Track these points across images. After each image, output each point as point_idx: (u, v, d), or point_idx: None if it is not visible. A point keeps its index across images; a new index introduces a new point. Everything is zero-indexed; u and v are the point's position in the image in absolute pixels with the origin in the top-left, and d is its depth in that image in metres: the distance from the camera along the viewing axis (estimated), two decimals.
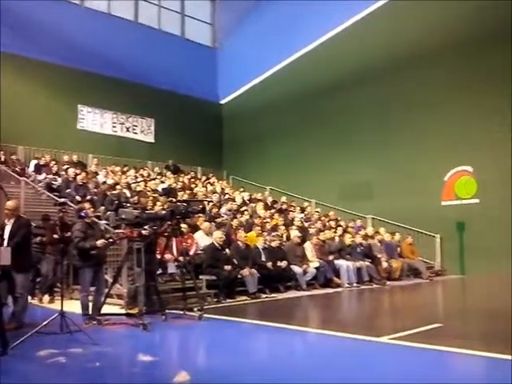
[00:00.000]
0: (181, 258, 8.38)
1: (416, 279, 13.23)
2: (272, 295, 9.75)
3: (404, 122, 16.20)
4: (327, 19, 18.15)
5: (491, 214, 13.83)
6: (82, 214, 7.01)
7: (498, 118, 14.13)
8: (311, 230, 12.78)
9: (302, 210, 16.25)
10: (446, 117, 15.18)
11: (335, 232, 13.35)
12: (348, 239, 12.71)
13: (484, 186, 14.33)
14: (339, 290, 11.08)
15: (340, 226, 14.48)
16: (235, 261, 9.79)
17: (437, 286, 12.63)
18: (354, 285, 11.60)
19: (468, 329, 6.65)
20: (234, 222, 11.70)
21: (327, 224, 14.69)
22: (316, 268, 11.18)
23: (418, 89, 15.91)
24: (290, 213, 15.23)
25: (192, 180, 17.17)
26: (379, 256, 12.86)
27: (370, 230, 14.60)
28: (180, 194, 13.43)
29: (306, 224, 13.84)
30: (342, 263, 11.77)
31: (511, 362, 4.44)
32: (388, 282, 12.25)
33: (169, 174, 16.41)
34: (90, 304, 6.89)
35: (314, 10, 18.25)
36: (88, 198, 11.04)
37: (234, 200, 15.22)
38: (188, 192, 14.13)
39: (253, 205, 15.09)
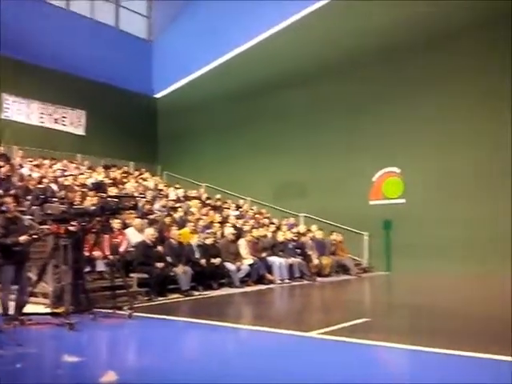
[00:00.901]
0: (110, 256, 8.13)
1: (345, 276, 13.67)
2: (205, 292, 9.71)
3: (334, 124, 16.66)
4: (261, 20, 18.32)
5: (416, 214, 14.56)
6: (4, 209, 6.63)
7: (423, 122, 14.91)
8: (245, 228, 12.85)
9: (237, 207, 16.31)
10: (375, 120, 15.79)
11: (268, 229, 13.51)
12: (281, 236, 12.92)
13: (410, 186, 15.05)
14: (271, 286, 11.22)
15: (273, 223, 14.67)
16: (168, 258, 9.66)
17: (364, 283, 13.11)
18: (286, 281, 11.80)
19: (393, 323, 6.94)
20: (168, 219, 11.52)
21: (261, 221, 14.84)
22: (249, 265, 11.26)
23: (346, 91, 16.45)
24: (225, 210, 15.24)
25: (124, 175, 16.71)
26: (310, 253, 13.17)
27: (302, 228, 14.92)
28: (111, 189, 13.03)
29: (241, 221, 13.90)
30: (274, 260, 11.93)
31: (434, 355, 4.69)
32: (318, 279, 12.58)
33: (99, 168, 15.88)
34: (12, 303, 6.52)
35: (247, 10, 18.36)
36: (12, 192, 10.43)
37: (167, 196, 14.98)
38: (120, 187, 13.75)
39: (187, 202, 14.93)
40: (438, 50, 14.76)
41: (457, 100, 14.38)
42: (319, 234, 14.37)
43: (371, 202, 15.85)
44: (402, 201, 15.23)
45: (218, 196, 16.99)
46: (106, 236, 8.52)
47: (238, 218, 14.40)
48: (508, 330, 6.12)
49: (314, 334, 5.68)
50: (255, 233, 12.61)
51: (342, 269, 13.98)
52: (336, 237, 14.53)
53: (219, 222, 13.03)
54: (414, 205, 14.76)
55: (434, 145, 14.68)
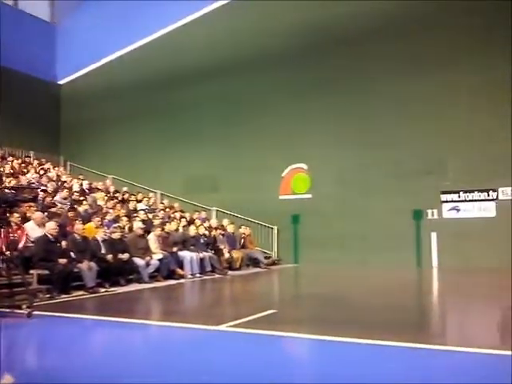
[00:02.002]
0: (7, 252, 7.56)
1: (255, 269, 13.90)
2: (112, 289, 9.37)
3: (246, 120, 16.87)
4: (174, 8, 17.97)
5: (322, 208, 15.18)
6: None
7: (330, 121, 15.53)
8: (155, 222, 12.58)
9: (147, 200, 15.91)
10: (284, 118, 16.19)
11: (179, 223, 13.34)
12: (192, 230, 12.82)
13: (317, 182, 15.64)
14: (182, 281, 11.11)
15: (184, 217, 14.52)
16: (72, 254, 9.20)
17: (273, 275, 13.42)
18: (197, 275, 11.75)
19: (300, 314, 7.17)
20: (71, 213, 10.96)
21: (172, 215, 14.62)
22: (159, 260, 11.05)
23: (256, 88, 16.67)
24: (133, 203, 14.80)
25: (23, 165, 15.64)
26: (222, 247, 13.22)
27: (214, 222, 14.92)
28: (8, 180, 12.14)
29: (150, 215, 13.58)
30: (185, 254, 11.82)
31: (344, 344, 4.91)
32: (229, 272, 12.66)
33: None
34: None
35: None
36: None
37: (71, 188, 14.25)
38: (18, 178, 12.84)
39: (93, 194, 14.31)
40: (347, 51, 15.41)
41: (362, 100, 15.14)
42: (231, 228, 14.47)
43: (281, 197, 16.24)
44: (309, 196, 15.78)
45: (126, 188, 16.49)
46: (3, 230, 7.91)
47: (148, 211, 14.07)
48: (412, 317, 6.59)
49: (223, 327, 5.70)
50: (166, 227, 12.40)
51: (253, 262, 14.19)
52: (244, 230, 14.72)
53: (127, 216, 12.64)
54: (320, 200, 15.37)
55: (338, 143, 15.36)
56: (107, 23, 19.29)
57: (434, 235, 13.74)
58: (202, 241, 12.79)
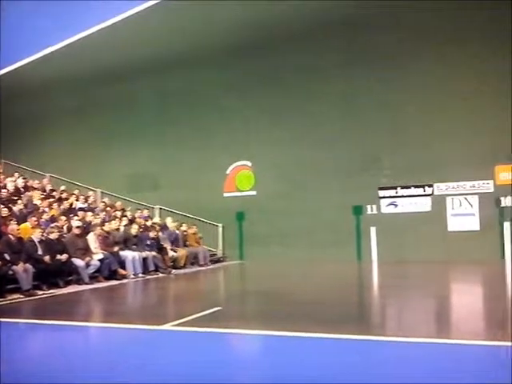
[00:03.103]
0: None
1: (199, 266, 13.81)
2: (50, 291, 9.01)
3: (189, 117, 16.71)
4: (117, 3, 17.45)
5: (267, 205, 15.31)
6: None
7: (273, 117, 15.66)
8: (95, 221, 12.20)
9: (86, 199, 15.40)
10: (228, 115, 16.17)
11: (121, 223, 13.01)
12: (134, 229, 12.54)
13: (261, 179, 15.73)
14: (124, 281, 10.85)
15: (125, 216, 14.17)
16: (6, 256, 8.75)
17: (218, 272, 13.39)
18: (140, 275, 11.51)
19: (246, 310, 7.19)
20: (5, 212, 10.43)
21: (113, 214, 14.23)
22: (100, 260, 10.73)
23: (201, 86, 16.55)
24: (71, 202, 14.27)
25: None
26: (165, 245, 13.03)
27: (157, 220, 14.67)
28: None
29: (90, 214, 13.15)
30: (127, 254, 11.54)
31: (290, 338, 4.96)
32: (173, 271, 12.51)
33: None
34: None
35: None
36: None
37: (4, 187, 13.56)
38: None
39: (28, 193, 13.68)
40: (288, 48, 15.55)
41: (303, 97, 15.36)
42: (174, 227, 14.29)
43: (225, 195, 16.22)
44: (253, 193, 15.86)
45: (64, 187, 15.86)
46: None
47: (87, 210, 13.61)
48: (353, 310, 6.76)
49: (167, 326, 5.62)
50: (107, 226, 12.05)
51: (197, 260, 14.09)
52: (187, 228, 14.59)
53: (65, 215, 12.18)
54: (264, 197, 15.49)
55: (280, 140, 15.52)
56: (44, 15, 18.41)
57: (373, 230, 14.20)
58: (144, 240, 12.52)
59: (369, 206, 14.42)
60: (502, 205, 13.04)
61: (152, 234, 12.83)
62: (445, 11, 13.41)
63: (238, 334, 5.33)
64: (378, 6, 13.99)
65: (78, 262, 10.19)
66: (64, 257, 9.84)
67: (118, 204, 15.67)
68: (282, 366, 4.01)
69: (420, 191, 13.97)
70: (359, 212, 14.48)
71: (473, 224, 13.38)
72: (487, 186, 13.30)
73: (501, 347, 4.40)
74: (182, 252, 13.51)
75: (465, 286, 9.43)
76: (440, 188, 13.80)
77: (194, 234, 14.66)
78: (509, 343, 4.37)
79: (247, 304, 7.86)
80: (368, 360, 4.14)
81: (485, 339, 4.86)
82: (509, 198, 12.88)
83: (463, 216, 13.50)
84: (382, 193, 14.33)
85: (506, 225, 12.86)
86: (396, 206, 14.20)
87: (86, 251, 10.68)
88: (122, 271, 11.20)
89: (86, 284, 10.04)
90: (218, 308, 6.81)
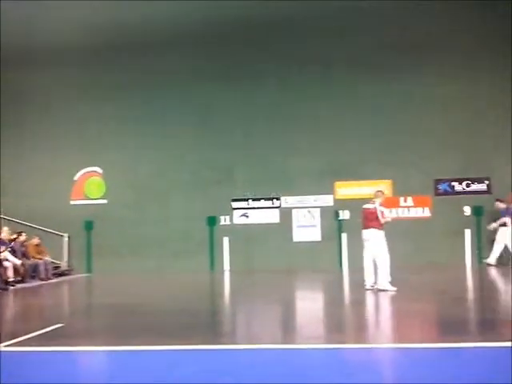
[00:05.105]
0: None
1: (41, 280, 12.72)
2: None
3: (35, 119, 15.40)
4: None
5: (118, 214, 14.74)
6: None
7: (128, 124, 15.18)
8: None
9: None
10: (78, 118, 15.26)
11: None
12: None
13: (112, 187, 15.10)
14: None
15: None
16: None
17: (63, 286, 12.48)
18: None
19: (91, 326, 6.79)
20: None
21: None
22: None
23: (54, 86, 15.40)
24: None
25: None
26: (1, 257, 11.74)
27: None
28: None
29: None
30: None
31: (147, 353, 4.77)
32: (12, 286, 11.31)
33: None
34: None
35: None
36: None
37: None
38: None
39: None
40: (140, 55, 15.27)
41: (161, 107, 15.17)
42: (10, 237, 12.92)
43: (72, 202, 15.23)
44: (104, 201, 15.16)
45: None
46: None
47: None
48: (202, 320, 6.78)
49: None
50: None
51: (38, 273, 12.95)
52: (26, 238, 13.36)
53: None
54: (116, 205, 14.90)
55: (135, 148, 15.11)
56: None
57: (226, 240, 14.52)
58: None
59: (222, 217, 14.72)
60: (340, 218, 14.32)
61: None
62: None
63: (80, 351, 4.99)
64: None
65: None
66: None
67: None
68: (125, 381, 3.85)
69: (269, 203, 14.69)
70: (213, 223, 14.71)
71: (315, 235, 14.46)
72: (327, 200, 14.49)
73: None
74: (22, 264, 12.30)
75: (307, 293, 10.10)
76: (287, 201, 14.66)
77: (36, 245, 13.47)
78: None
79: (93, 319, 7.43)
80: (215, 368, 4.17)
81: (325, 342, 5.25)
82: (346, 211, 14.17)
83: (306, 227, 14.52)
84: (234, 204, 14.75)
85: (343, 236, 14.13)
86: (247, 217, 14.72)
87: None
88: None
89: None
90: (60, 325, 6.31)
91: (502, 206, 13.09)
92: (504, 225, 12.90)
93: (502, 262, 12.90)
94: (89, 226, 14.95)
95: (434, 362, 4.20)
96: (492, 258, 13.00)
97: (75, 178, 15.28)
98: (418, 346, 4.76)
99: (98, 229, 14.84)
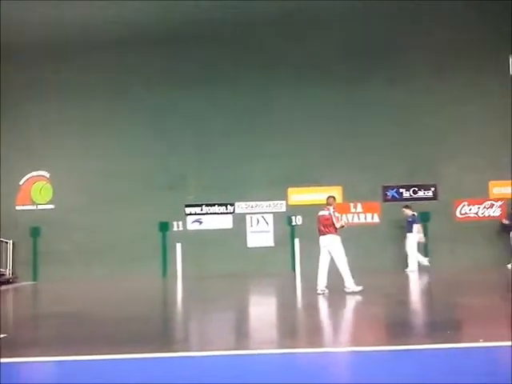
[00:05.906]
0: None
1: None
2: None
3: None
4: None
5: (66, 220, 14.31)
6: None
7: (75, 127, 14.78)
8: None
9: None
10: (22, 118, 14.74)
11: None
12: None
13: (60, 192, 14.65)
14: None
15: None
16: None
17: (6, 295, 11.94)
18: None
19: (36, 335, 6.54)
20: None
21: None
22: None
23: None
24: None
25: None
26: None
27: None
28: None
29: None
30: None
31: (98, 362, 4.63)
32: None
33: None
34: None
35: None
36: None
37: None
38: None
39: None
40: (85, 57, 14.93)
41: (112, 111, 14.88)
42: None
43: (18, 208, 14.65)
44: (51, 206, 14.67)
45: None
46: None
47: None
48: (154, 327, 6.66)
49: None
50: None
51: None
52: None
53: None
54: (64, 211, 14.46)
55: (84, 152, 14.76)
56: None
57: (178, 246, 14.36)
58: None
59: (175, 223, 14.56)
60: (293, 223, 14.48)
61: None
62: None
63: (24, 362, 4.79)
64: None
65: None
66: None
67: None
68: None
69: (223, 209, 14.66)
70: (165, 228, 14.53)
71: (268, 240, 14.56)
72: (280, 206, 14.63)
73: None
74: None
75: (261, 298, 10.13)
76: (241, 207, 14.68)
77: None
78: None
79: (39, 328, 7.15)
80: (166, 376, 4.12)
81: (278, 347, 5.28)
82: (299, 216, 14.35)
83: (260, 233, 14.60)
84: (188, 210, 14.63)
85: (296, 241, 14.30)
86: (201, 222, 14.63)
87: None
88: None
89: None
90: (3, 335, 6.04)
91: (409, 212, 13.21)
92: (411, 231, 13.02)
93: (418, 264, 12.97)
94: (35, 232, 14.42)
95: (387, 363, 4.30)
96: (413, 265, 12.86)
97: (21, 182, 14.73)
98: (372, 349, 4.88)
99: (44, 235, 14.34)
